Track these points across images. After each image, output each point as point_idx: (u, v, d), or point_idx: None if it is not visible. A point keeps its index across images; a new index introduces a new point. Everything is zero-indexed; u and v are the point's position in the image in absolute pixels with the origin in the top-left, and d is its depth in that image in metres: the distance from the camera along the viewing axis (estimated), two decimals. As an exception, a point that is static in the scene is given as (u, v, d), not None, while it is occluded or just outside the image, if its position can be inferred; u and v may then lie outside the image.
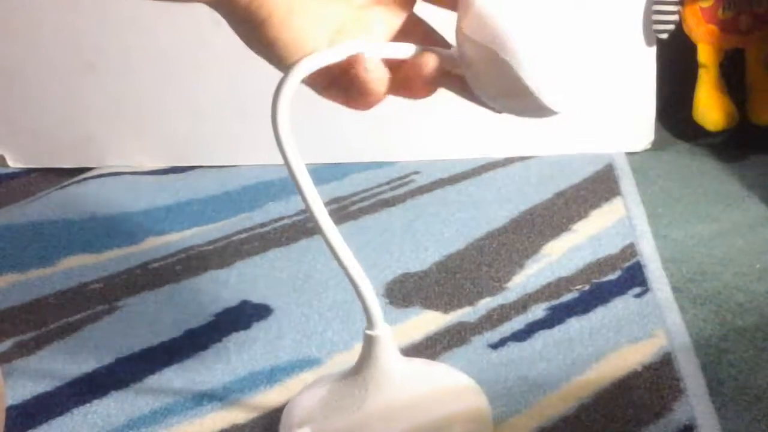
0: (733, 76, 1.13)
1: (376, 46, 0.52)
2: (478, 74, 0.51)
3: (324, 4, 0.50)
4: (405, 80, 0.53)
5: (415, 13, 0.54)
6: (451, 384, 0.64)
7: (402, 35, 0.53)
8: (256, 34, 0.50)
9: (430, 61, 0.52)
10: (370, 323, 0.59)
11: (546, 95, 0.50)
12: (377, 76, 0.51)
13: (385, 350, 0.59)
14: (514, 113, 0.53)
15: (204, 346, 0.77)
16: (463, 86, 0.54)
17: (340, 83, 0.53)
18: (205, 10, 1.22)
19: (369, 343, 0.59)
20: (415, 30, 0.54)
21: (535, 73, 0.49)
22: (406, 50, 0.52)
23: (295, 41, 0.51)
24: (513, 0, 0.50)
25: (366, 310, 0.58)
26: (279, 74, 0.55)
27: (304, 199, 0.54)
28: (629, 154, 1.14)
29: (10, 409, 0.69)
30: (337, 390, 0.60)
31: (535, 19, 0.49)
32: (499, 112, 0.54)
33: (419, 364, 0.66)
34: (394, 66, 0.53)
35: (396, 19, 0.53)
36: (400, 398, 0.59)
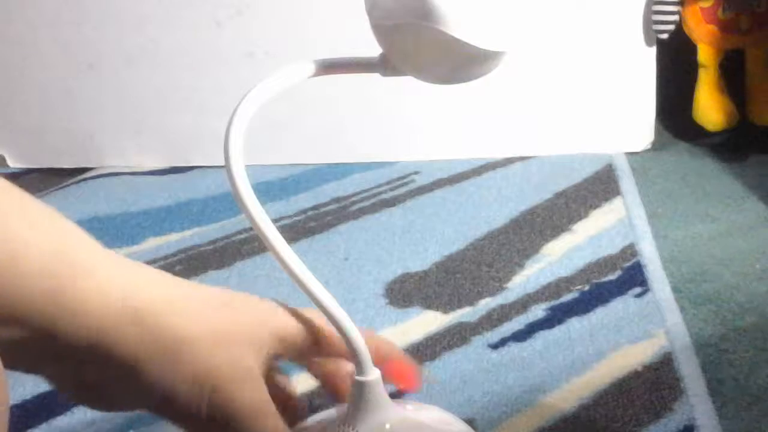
0: (733, 76, 1.13)
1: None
2: (414, 58, 0.48)
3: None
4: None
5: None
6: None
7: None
8: None
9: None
10: (359, 368, 0.53)
11: (479, 39, 0.46)
12: None
13: (377, 398, 0.55)
14: (464, 78, 0.48)
15: (204, 346, 0.77)
16: None
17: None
18: (206, 10, 1.22)
19: (359, 390, 0.54)
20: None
21: (462, 23, 0.45)
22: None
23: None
24: None
25: (355, 354, 0.53)
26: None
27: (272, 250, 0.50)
28: (629, 154, 1.14)
29: (11, 409, 0.69)
30: None
31: None
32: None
33: (411, 410, 0.61)
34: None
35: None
36: None
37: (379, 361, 0.54)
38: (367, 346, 0.53)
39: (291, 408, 0.56)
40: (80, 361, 0.44)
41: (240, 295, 0.52)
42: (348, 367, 0.55)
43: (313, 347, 0.52)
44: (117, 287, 0.45)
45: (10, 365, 0.41)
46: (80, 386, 0.47)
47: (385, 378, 0.55)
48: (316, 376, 0.57)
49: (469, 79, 0.48)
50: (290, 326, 0.51)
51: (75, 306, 0.43)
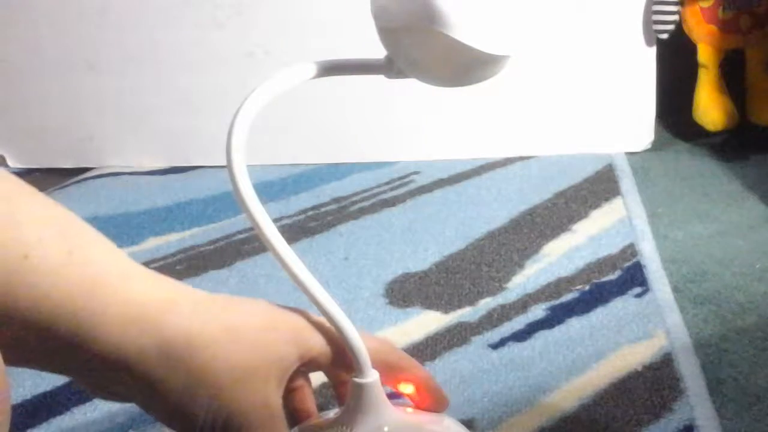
0: (733, 76, 1.13)
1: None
2: (419, 61, 0.48)
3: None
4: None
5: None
6: None
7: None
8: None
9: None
10: (358, 370, 0.53)
11: (485, 42, 0.46)
12: None
13: (375, 400, 0.54)
14: (469, 81, 0.48)
15: (204, 346, 0.77)
16: None
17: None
18: (206, 10, 1.23)
19: (357, 392, 0.53)
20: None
21: (466, 26, 0.45)
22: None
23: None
24: None
25: (353, 355, 0.52)
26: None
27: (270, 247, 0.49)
28: (629, 154, 1.14)
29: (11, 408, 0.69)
30: None
31: None
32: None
33: (409, 413, 0.60)
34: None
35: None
36: None
37: (402, 378, 0.55)
38: (390, 361, 0.53)
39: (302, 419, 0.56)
40: (90, 368, 0.44)
41: (260, 307, 0.51)
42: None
43: (336, 361, 0.52)
44: (131, 296, 0.44)
45: (12, 362, 0.41)
46: (90, 383, 0.46)
47: (414, 401, 0.56)
48: (333, 383, 0.57)
49: (474, 82, 0.48)
50: (317, 347, 0.51)
51: (86, 314, 0.43)
